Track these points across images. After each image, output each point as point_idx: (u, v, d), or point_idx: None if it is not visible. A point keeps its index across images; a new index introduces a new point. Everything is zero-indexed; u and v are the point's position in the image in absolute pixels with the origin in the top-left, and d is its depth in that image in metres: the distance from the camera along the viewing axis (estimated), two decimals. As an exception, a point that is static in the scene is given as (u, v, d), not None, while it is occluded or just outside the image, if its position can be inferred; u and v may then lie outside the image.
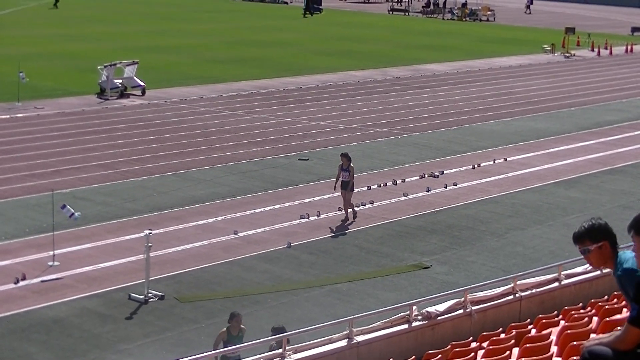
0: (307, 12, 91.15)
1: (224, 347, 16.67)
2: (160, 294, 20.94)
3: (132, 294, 20.87)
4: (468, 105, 46.78)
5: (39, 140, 35.71)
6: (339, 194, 27.46)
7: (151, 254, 20.98)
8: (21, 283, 21.40)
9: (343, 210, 27.44)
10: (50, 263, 22.53)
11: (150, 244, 20.74)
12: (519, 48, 71.90)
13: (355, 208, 27.48)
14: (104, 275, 22.19)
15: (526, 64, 64.17)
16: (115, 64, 46.18)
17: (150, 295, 20.77)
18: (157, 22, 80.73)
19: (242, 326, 17.20)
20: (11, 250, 23.58)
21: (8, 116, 39.90)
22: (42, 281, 21.58)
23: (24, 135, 36.53)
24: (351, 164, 27.39)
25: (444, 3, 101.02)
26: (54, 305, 20.38)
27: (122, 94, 45.66)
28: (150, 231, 21.29)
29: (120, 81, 46.08)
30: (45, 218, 25.03)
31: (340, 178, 27.36)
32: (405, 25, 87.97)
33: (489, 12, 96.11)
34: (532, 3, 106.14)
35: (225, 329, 17.17)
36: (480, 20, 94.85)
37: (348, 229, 26.44)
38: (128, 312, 20.16)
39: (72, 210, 22.83)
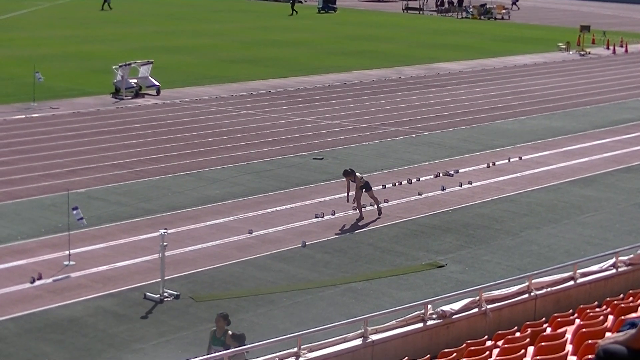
0: (294, 11, 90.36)
1: (209, 348, 16.51)
2: (176, 293, 20.98)
3: (148, 294, 20.92)
4: (483, 104, 46.69)
5: (54, 140, 35.82)
6: (345, 194, 27.37)
7: (166, 254, 21.02)
8: (37, 282, 21.47)
9: (373, 205, 27.64)
10: (65, 263, 22.60)
11: (165, 244, 20.78)
12: (534, 46, 71.72)
13: (364, 209, 27.34)
14: (119, 274, 22.24)
15: (541, 62, 64.00)
16: (130, 64, 46.28)
17: (165, 294, 20.81)
18: (170, 22, 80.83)
19: (228, 330, 16.59)
20: (27, 250, 23.65)
21: (24, 116, 40.04)
22: (55, 280, 21.65)
23: (39, 135, 36.65)
24: (356, 175, 27.29)
25: (459, 1, 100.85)
26: (70, 305, 20.44)
27: (137, 93, 45.74)
28: (165, 231, 21.33)
29: (135, 81, 46.17)
30: (60, 218, 25.11)
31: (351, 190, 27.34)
32: (420, 24, 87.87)
33: (504, 11, 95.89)
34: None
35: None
36: (495, 18, 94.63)
37: (368, 225, 26.43)
38: (143, 312, 20.20)
39: (82, 215, 22.85)
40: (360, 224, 26.74)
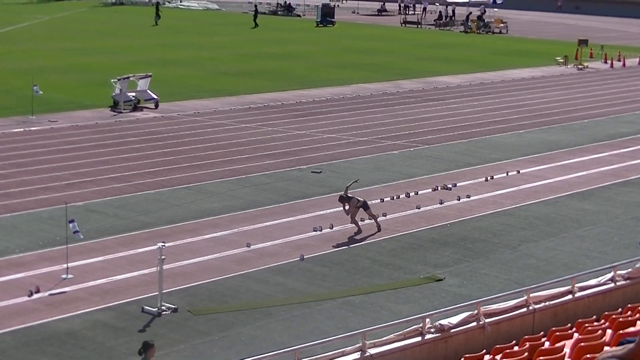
0: (256, 25, 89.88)
1: None
2: (174, 306, 20.96)
3: (146, 307, 20.89)
4: (481, 118, 46.74)
5: (52, 153, 35.83)
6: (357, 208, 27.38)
7: (164, 267, 21.01)
8: (35, 296, 21.45)
9: (372, 221, 27.55)
10: (63, 276, 22.58)
11: (163, 257, 20.77)
12: (532, 60, 71.84)
13: (361, 222, 27.31)
14: (117, 288, 22.22)
15: (539, 76, 64.10)
16: (128, 77, 46.35)
17: (163, 308, 20.79)
18: (169, 35, 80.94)
19: None
20: (25, 263, 23.64)
21: (22, 129, 40.06)
22: (52, 294, 21.64)
23: (38, 148, 36.66)
24: (352, 199, 27.07)
25: (452, 15, 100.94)
26: (68, 318, 20.42)
27: (136, 107, 45.78)
28: (163, 244, 21.32)
29: (134, 94, 46.22)
30: (58, 231, 25.11)
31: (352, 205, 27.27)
32: (418, 37, 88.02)
33: (502, 25, 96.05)
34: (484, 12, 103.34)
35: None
36: (493, 32, 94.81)
37: (365, 240, 26.43)
38: (141, 325, 20.18)
39: (78, 228, 22.84)
40: (358, 237, 26.73)
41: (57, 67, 58.60)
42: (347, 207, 27.10)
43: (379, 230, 27.28)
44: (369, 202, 27.62)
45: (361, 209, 27.10)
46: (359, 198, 27.38)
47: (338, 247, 25.82)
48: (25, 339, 19.32)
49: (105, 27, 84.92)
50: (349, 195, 27.31)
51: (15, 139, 38.18)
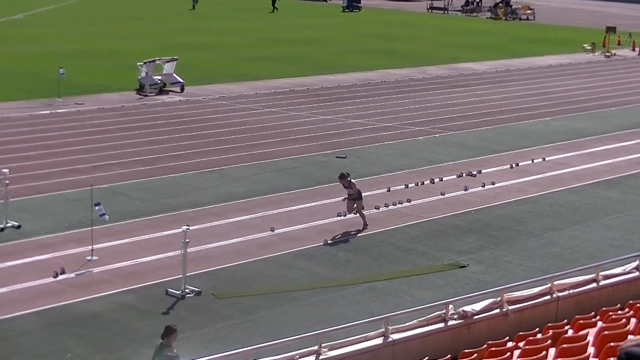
0: (275, 8, 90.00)
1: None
2: (197, 289, 21.04)
3: (170, 290, 20.98)
4: (507, 105, 46.57)
5: (79, 135, 35.98)
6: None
7: (188, 250, 21.08)
8: (60, 277, 21.58)
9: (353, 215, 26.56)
10: (88, 258, 22.70)
11: (187, 240, 20.83)
12: (559, 47, 71.47)
13: (367, 213, 26.59)
14: (141, 270, 22.32)
15: (566, 63, 63.77)
16: (154, 61, 46.47)
17: (187, 290, 20.87)
18: (194, 20, 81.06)
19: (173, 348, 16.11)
20: (51, 244, 23.78)
21: (49, 112, 40.26)
22: (77, 275, 21.77)
23: (64, 130, 36.84)
24: (351, 180, 26.47)
25: (479, 1, 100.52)
26: (92, 300, 20.53)
27: (161, 90, 45.91)
28: (187, 227, 21.38)
29: (160, 78, 46.34)
30: (84, 213, 25.23)
31: (347, 193, 26.50)
32: (444, 23, 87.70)
33: (529, 11, 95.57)
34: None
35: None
36: (520, 19, 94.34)
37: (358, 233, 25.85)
38: (165, 308, 20.26)
39: (104, 211, 22.91)
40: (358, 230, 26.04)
41: (85, 50, 58.80)
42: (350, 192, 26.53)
43: (365, 227, 26.20)
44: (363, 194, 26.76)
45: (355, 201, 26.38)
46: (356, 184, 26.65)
47: (362, 233, 25.80)
48: (50, 319, 19.45)
49: (129, 11, 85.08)
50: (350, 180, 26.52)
51: (42, 121, 38.37)
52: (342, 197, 26.66)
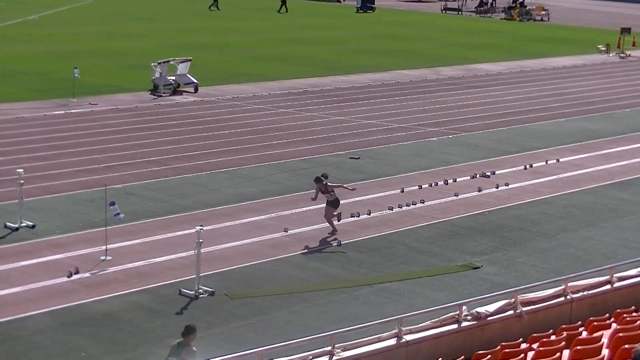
0: (284, 7, 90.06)
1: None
2: (211, 290, 21.04)
3: (183, 290, 20.99)
4: (521, 106, 46.47)
5: (92, 135, 36.04)
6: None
7: (202, 250, 21.08)
8: (74, 277, 21.61)
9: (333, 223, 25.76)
10: (102, 257, 22.73)
11: (201, 240, 20.84)
12: (573, 48, 71.29)
13: (337, 222, 25.91)
14: (154, 270, 22.34)
15: (580, 64, 63.60)
16: (168, 61, 46.54)
17: (200, 291, 20.88)
18: (208, 19, 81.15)
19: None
20: (64, 244, 23.82)
21: (63, 112, 40.35)
22: (91, 275, 21.79)
23: (78, 130, 36.91)
24: (327, 184, 25.53)
25: (493, 2, 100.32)
26: (105, 300, 20.55)
27: (175, 90, 45.97)
28: (201, 227, 21.38)
29: (174, 78, 46.40)
30: (97, 213, 25.26)
31: (326, 199, 25.59)
32: (459, 24, 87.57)
33: (543, 12, 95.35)
34: None
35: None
36: (534, 20, 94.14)
37: (331, 242, 24.92)
38: (178, 308, 20.27)
39: (119, 210, 22.91)
40: (330, 237, 25.33)
41: (99, 50, 58.92)
42: (315, 195, 25.80)
43: (333, 234, 25.44)
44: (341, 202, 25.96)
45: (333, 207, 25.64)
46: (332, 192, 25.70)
47: (375, 234, 25.76)
48: (64, 319, 19.48)
49: (142, 11, 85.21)
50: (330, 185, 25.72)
51: (56, 121, 38.46)
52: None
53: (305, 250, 24.12)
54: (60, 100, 42.41)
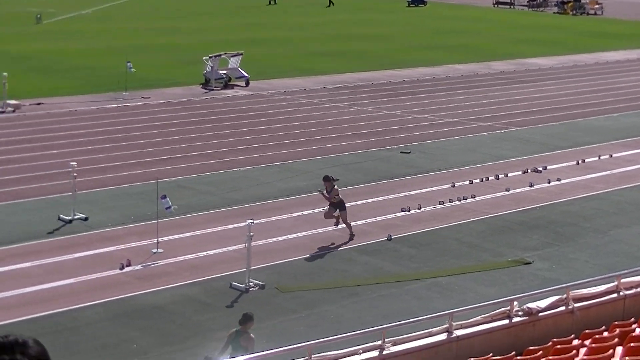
0: (331, 3, 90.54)
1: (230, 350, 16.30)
2: (261, 283, 21.11)
3: (233, 283, 21.09)
4: (573, 100, 46.08)
5: (144, 129, 36.33)
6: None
7: (252, 244, 21.16)
8: (126, 269, 21.80)
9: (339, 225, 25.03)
10: (154, 250, 22.90)
11: (251, 234, 20.91)
12: (628, 42, 70.53)
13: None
14: (205, 263, 22.46)
15: (634, 58, 62.90)
16: (220, 55, 46.75)
17: (251, 284, 20.96)
18: (258, 14, 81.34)
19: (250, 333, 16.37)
20: (117, 236, 24.03)
21: (116, 105, 40.70)
22: (143, 267, 21.97)
23: (130, 124, 37.22)
24: (335, 186, 24.75)
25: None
26: (157, 292, 20.71)
27: (227, 84, 46.18)
28: (252, 221, 21.47)
29: (225, 72, 46.61)
30: (149, 206, 25.45)
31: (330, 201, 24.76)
32: (510, 18, 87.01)
33: (597, 6, 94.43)
34: None
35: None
36: (588, 13, 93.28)
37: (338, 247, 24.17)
38: (229, 301, 20.37)
39: (170, 203, 22.97)
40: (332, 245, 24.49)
41: (151, 44, 59.34)
42: (325, 195, 24.85)
43: (351, 238, 24.58)
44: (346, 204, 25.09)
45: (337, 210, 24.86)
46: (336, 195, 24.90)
47: (426, 228, 25.71)
48: (115, 311, 19.66)
49: (194, 6, 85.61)
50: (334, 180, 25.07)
51: (108, 115, 38.80)
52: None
53: (355, 245, 24.12)
54: (113, 94, 42.79)
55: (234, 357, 15.19)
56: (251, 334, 16.25)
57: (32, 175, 29.34)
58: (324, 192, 24.81)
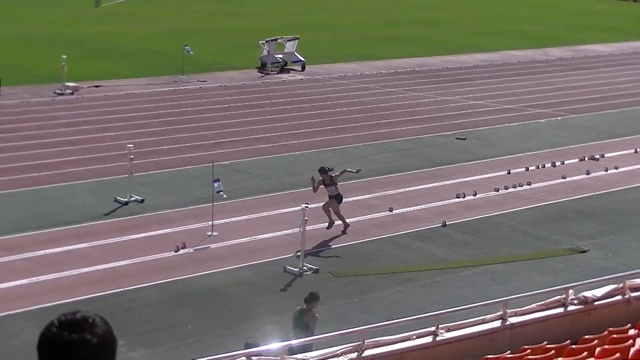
0: None
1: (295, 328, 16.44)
2: (315, 267, 21.16)
3: (288, 267, 21.15)
4: (632, 88, 45.52)
5: (200, 112, 36.51)
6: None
7: (307, 228, 21.20)
8: (181, 251, 21.95)
9: (337, 221, 23.98)
10: (209, 233, 23.03)
11: (306, 218, 20.95)
12: (689, 29, 69.49)
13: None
14: (260, 247, 22.54)
15: (695, 46, 62.00)
16: (276, 39, 46.82)
17: (305, 268, 21.01)
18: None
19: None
20: (172, 219, 24.20)
21: (172, 88, 40.95)
22: (197, 250, 22.11)
23: (186, 107, 37.42)
24: (332, 175, 24.03)
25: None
26: (211, 275, 20.83)
27: (283, 68, 46.25)
28: (306, 205, 21.50)
29: (281, 56, 46.68)
30: (205, 189, 25.57)
31: (328, 194, 23.96)
32: (569, 5, 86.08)
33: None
34: None
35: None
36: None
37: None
38: (282, 285, 20.43)
39: (221, 188, 22.82)
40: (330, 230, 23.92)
41: (207, 28, 59.57)
42: (315, 185, 24.05)
43: (345, 232, 23.89)
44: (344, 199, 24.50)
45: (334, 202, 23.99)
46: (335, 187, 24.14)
47: (480, 215, 25.58)
48: (170, 293, 19.81)
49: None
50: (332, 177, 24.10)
51: (165, 97, 39.05)
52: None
53: (409, 231, 24.07)
54: (170, 77, 43.05)
55: (282, 341, 15.26)
56: (316, 313, 16.38)
57: (89, 157, 29.63)
58: (315, 182, 23.90)
